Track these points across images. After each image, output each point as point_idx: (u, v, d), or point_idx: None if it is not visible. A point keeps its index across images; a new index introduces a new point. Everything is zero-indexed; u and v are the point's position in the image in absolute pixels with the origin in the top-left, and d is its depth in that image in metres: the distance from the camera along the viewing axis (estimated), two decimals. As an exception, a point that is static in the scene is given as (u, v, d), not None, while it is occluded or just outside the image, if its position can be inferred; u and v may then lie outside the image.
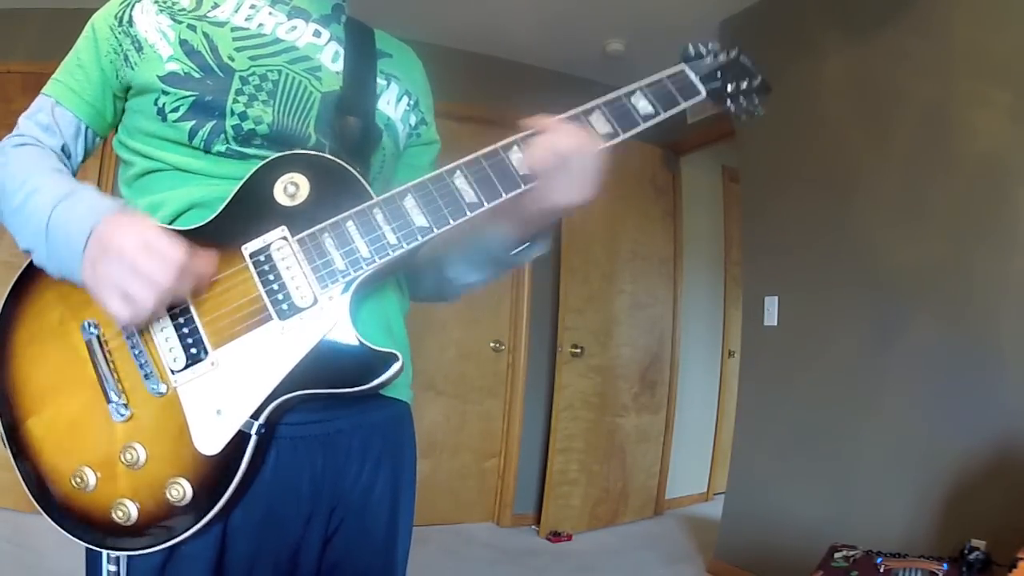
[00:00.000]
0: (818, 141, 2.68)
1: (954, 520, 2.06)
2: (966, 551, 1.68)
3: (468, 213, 0.72)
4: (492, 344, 3.65)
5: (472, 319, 3.59)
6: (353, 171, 0.74)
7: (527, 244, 0.81)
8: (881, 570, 1.67)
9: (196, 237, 0.71)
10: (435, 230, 0.71)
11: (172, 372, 0.68)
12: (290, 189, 0.72)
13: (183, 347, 0.68)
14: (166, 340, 0.68)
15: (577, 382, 3.56)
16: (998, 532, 1.75)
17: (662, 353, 3.96)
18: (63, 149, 0.80)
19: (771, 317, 2.81)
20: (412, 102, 0.92)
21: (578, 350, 3.53)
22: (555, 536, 3.38)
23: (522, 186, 0.73)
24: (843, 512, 2.41)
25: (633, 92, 0.78)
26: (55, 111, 0.79)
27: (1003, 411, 1.99)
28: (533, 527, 3.54)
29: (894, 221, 2.38)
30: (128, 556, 0.69)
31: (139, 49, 0.76)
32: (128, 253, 0.63)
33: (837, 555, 1.78)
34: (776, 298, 2.80)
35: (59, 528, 0.68)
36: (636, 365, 3.82)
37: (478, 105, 3.46)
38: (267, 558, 0.73)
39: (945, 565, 1.66)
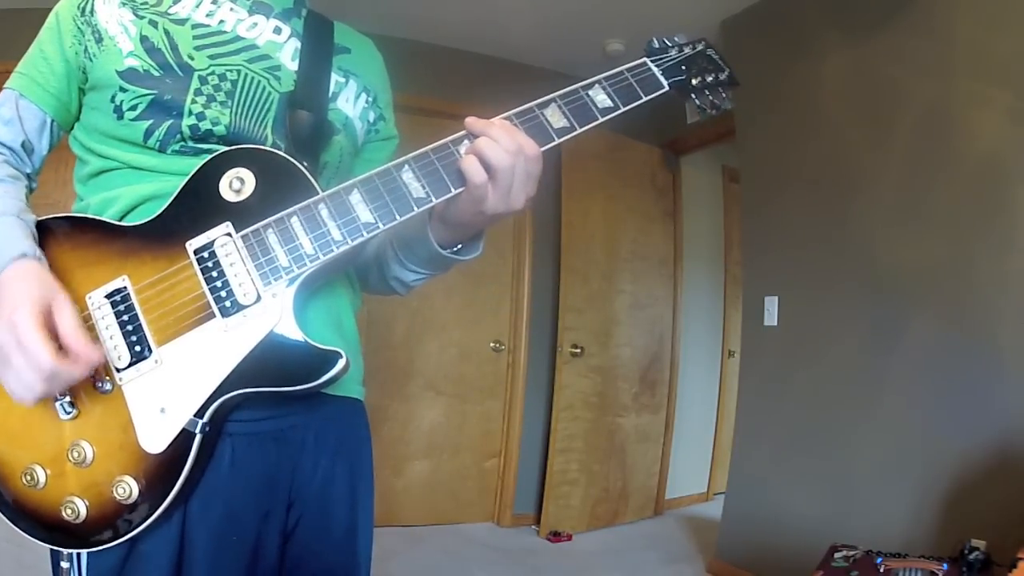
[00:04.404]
0: (818, 141, 2.68)
1: (954, 520, 2.06)
2: (966, 551, 1.68)
3: (415, 208, 0.71)
4: (492, 344, 3.65)
5: (472, 319, 3.59)
6: (300, 166, 0.72)
7: (461, 246, 0.80)
8: (881, 570, 1.67)
9: (142, 233, 0.71)
10: (381, 225, 0.70)
11: (117, 370, 0.67)
12: (235, 184, 0.71)
13: (127, 344, 0.67)
14: (111, 338, 0.67)
15: (577, 382, 3.55)
16: (998, 532, 1.75)
17: (662, 353, 3.96)
18: (23, 145, 0.78)
19: (771, 317, 2.81)
20: (370, 98, 0.91)
21: (578, 350, 3.53)
22: (555, 536, 3.38)
23: None
24: (843, 512, 2.41)
25: (591, 85, 0.77)
26: (19, 104, 0.78)
27: (1003, 411, 1.99)
28: (533, 527, 3.54)
29: (894, 221, 2.38)
30: (87, 555, 0.68)
31: (99, 40, 0.76)
32: (3, 347, 0.61)
33: (837, 555, 1.78)
34: (776, 298, 2.80)
35: (13, 527, 0.68)
36: (636, 365, 3.82)
37: (478, 105, 3.42)
38: (227, 555, 0.73)
39: (945, 565, 1.66)
